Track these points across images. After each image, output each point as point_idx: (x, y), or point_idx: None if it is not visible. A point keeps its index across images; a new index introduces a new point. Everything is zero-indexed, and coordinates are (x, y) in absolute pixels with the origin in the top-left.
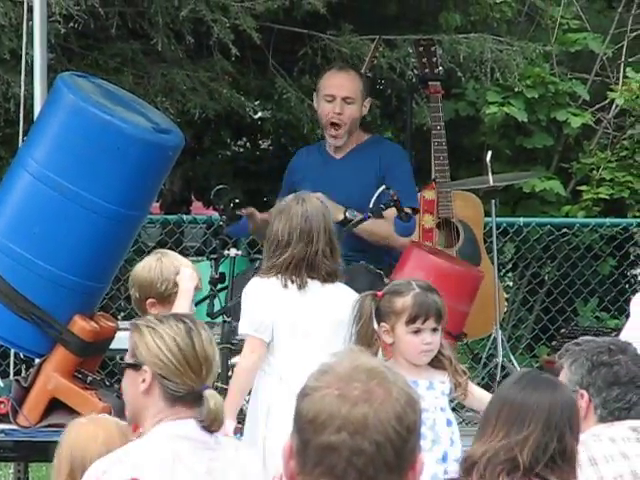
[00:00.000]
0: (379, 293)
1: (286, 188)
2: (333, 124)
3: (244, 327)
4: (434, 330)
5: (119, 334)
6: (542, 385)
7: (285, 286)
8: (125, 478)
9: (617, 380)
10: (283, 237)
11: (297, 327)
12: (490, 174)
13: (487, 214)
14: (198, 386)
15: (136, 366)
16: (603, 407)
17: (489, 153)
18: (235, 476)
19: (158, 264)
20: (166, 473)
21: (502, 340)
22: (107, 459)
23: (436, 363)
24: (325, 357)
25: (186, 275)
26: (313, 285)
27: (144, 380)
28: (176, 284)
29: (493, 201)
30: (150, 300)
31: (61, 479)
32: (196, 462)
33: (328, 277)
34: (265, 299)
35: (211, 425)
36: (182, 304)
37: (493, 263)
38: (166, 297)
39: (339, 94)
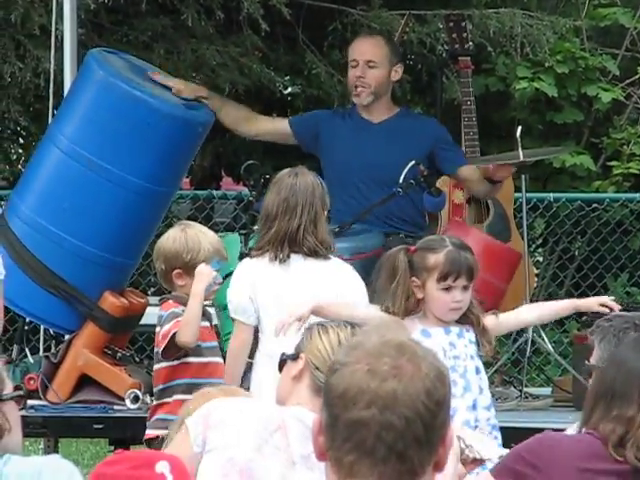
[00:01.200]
0: (412, 248)
1: (309, 120)
2: (357, 86)
3: (229, 310)
4: (465, 288)
5: (149, 310)
6: None
7: (271, 262)
8: (225, 418)
9: None
10: (272, 210)
11: (281, 303)
12: (520, 149)
13: (517, 189)
14: None
15: (295, 357)
16: None
17: (519, 128)
18: None
19: (182, 235)
20: (263, 432)
21: None
22: (224, 400)
23: (463, 319)
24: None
25: (198, 277)
26: (295, 260)
27: (297, 367)
28: (202, 254)
29: (523, 176)
30: (177, 271)
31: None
32: (300, 444)
33: (310, 253)
34: (247, 282)
35: None
36: (192, 305)
37: (523, 238)
38: (192, 267)
39: (361, 58)
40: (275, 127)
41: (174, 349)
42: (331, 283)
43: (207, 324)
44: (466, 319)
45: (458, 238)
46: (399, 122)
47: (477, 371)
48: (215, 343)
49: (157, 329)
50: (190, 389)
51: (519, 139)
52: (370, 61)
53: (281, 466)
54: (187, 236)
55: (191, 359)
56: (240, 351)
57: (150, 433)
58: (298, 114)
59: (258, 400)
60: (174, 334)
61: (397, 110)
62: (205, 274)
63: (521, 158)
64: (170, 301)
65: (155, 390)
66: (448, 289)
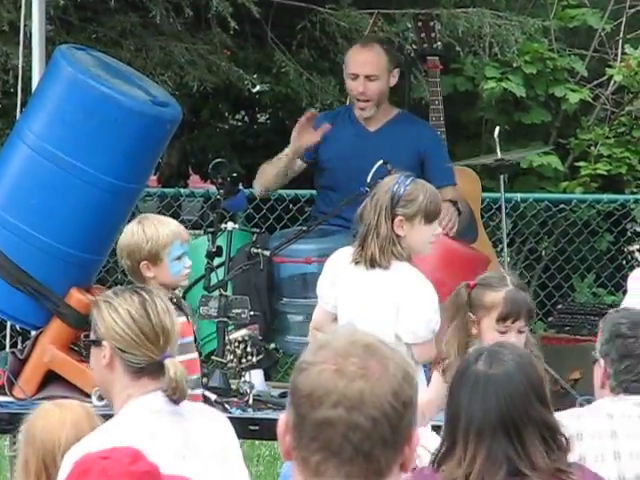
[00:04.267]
0: (471, 283)
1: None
2: (359, 100)
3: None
4: (520, 330)
5: None
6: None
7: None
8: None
9: (629, 353)
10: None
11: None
12: (499, 149)
13: (485, 189)
14: (157, 356)
15: (97, 342)
16: (614, 378)
17: (497, 129)
18: (213, 443)
19: (139, 227)
20: (147, 449)
21: None
22: (83, 444)
23: None
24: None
25: None
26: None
27: (104, 355)
28: (162, 240)
29: (502, 176)
30: (143, 263)
31: (32, 466)
32: (172, 436)
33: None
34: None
35: (174, 393)
36: None
37: (498, 239)
38: (155, 255)
39: (361, 72)
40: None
41: None
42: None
43: (184, 319)
44: None
45: (517, 277)
46: (394, 128)
47: None
48: (191, 338)
49: None
50: None
51: (497, 139)
52: (370, 75)
53: (175, 467)
54: (144, 227)
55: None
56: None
57: None
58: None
59: (108, 425)
60: None
61: (394, 113)
62: None
63: (499, 156)
64: None
65: None
66: (505, 330)
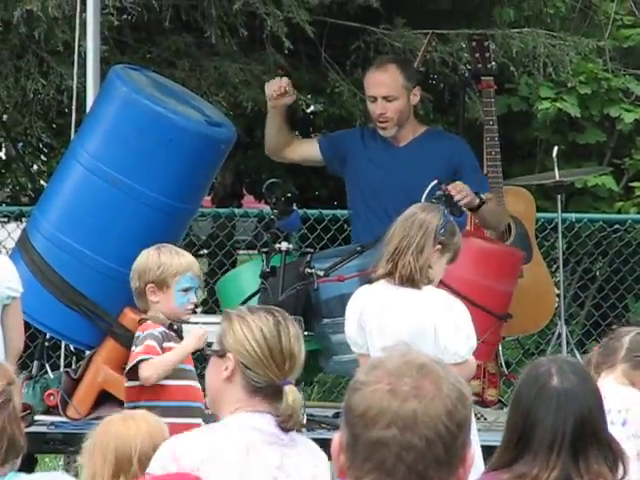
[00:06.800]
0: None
1: (337, 144)
2: (380, 121)
3: None
4: None
5: None
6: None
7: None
8: (201, 458)
9: None
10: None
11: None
12: (557, 169)
13: (539, 209)
14: (279, 380)
15: (221, 354)
16: None
17: (555, 148)
18: (307, 476)
19: (156, 252)
20: (241, 459)
21: (567, 335)
22: (182, 438)
23: None
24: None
25: (190, 337)
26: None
27: (227, 368)
28: (173, 268)
29: (559, 197)
30: (149, 285)
31: (107, 473)
32: (269, 455)
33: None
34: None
35: (287, 421)
36: (173, 355)
37: (552, 259)
38: (163, 281)
39: (379, 94)
40: (310, 153)
41: (136, 372)
42: (425, 313)
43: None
44: None
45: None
46: (423, 143)
47: None
48: (192, 367)
49: (132, 348)
50: (168, 412)
51: (555, 159)
52: (387, 96)
53: None
54: (160, 252)
55: (167, 382)
56: None
57: None
58: (326, 134)
59: (210, 426)
60: (141, 359)
61: (423, 130)
62: (197, 336)
63: (557, 178)
64: (148, 322)
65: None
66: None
